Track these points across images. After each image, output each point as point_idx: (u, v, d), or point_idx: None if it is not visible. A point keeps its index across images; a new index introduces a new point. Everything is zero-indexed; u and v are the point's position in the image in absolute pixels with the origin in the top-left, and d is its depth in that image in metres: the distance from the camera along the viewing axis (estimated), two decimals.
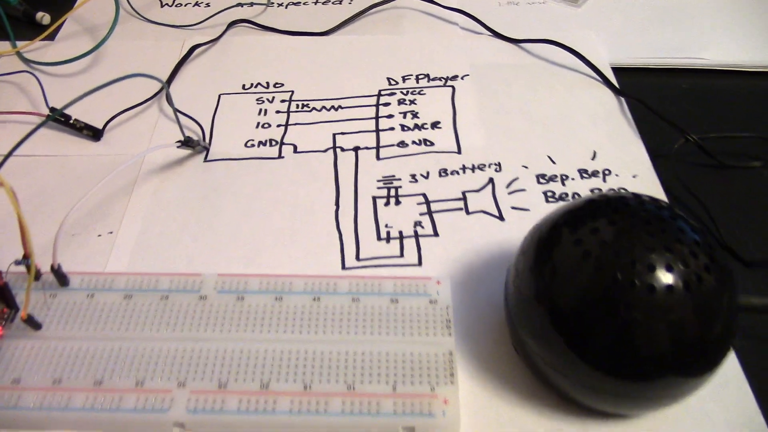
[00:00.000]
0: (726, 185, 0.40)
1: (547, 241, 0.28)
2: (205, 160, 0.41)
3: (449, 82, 0.47)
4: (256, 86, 0.47)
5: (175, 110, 0.37)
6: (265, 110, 0.45)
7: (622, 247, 0.26)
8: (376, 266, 0.35)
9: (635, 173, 0.40)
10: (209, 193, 0.39)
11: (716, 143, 0.41)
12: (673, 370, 0.26)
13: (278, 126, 0.43)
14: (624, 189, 0.39)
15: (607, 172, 0.40)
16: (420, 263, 0.35)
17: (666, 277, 0.25)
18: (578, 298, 0.26)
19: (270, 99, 0.46)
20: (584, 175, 0.40)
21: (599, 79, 0.47)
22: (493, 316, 0.33)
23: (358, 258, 0.36)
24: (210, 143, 0.42)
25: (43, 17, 0.53)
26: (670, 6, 0.54)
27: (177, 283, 0.32)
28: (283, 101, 0.45)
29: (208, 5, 0.54)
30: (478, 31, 0.52)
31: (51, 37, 0.51)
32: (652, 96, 0.45)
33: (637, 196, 0.28)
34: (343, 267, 0.35)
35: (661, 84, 0.48)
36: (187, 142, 0.38)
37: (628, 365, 0.26)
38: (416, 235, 0.37)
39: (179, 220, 0.37)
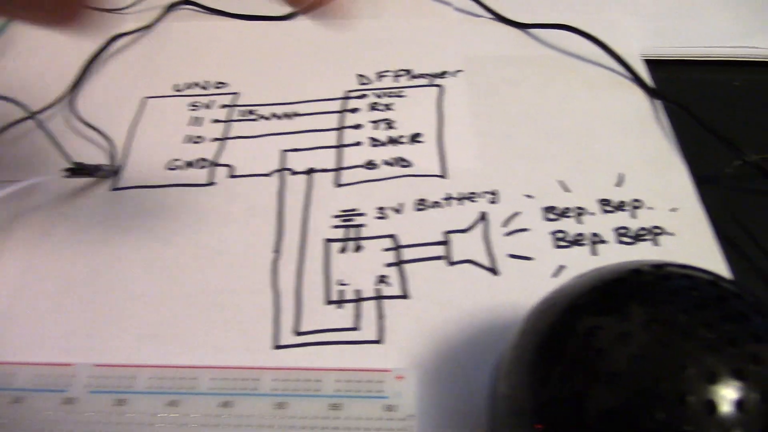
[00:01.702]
0: None
1: (555, 336, 0.20)
2: (114, 188, 0.32)
3: (436, 80, 0.37)
4: (191, 87, 0.37)
5: (53, 138, 0.28)
6: (200, 119, 0.35)
7: (669, 373, 0.17)
8: (320, 344, 0.26)
9: (674, 206, 0.30)
10: (111, 237, 0.30)
11: None
12: None
13: (213, 140, 0.34)
14: (658, 228, 0.29)
15: (637, 203, 0.30)
16: (380, 340, 0.26)
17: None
18: None
19: (207, 104, 0.36)
20: (607, 208, 0.30)
21: (627, 75, 0.37)
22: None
23: (297, 331, 0.26)
24: (124, 164, 0.33)
25: None
26: None
27: (37, 379, 0.24)
28: (223, 106, 0.36)
29: None
30: (476, 12, 0.41)
31: None
32: (696, 97, 0.35)
33: (686, 275, 0.19)
34: (277, 345, 0.26)
35: (707, 81, 0.38)
36: (78, 170, 0.29)
37: None
38: (379, 297, 0.27)
39: (64, 277, 0.28)
